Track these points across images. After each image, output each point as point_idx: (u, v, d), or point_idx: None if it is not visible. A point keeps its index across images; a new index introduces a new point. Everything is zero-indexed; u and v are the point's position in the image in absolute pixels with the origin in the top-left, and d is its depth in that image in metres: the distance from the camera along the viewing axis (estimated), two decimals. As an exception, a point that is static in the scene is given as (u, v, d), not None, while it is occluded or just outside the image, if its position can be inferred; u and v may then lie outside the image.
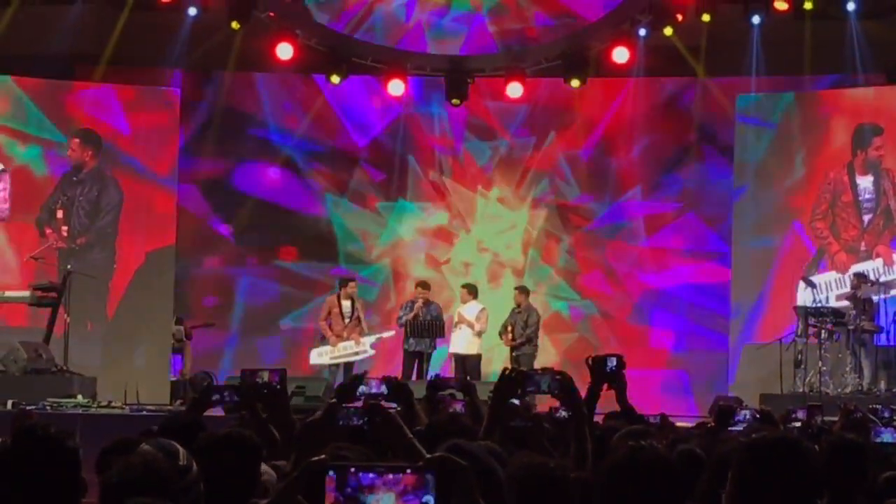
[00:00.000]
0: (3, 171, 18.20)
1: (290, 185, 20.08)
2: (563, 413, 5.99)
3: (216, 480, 4.30)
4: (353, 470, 3.22)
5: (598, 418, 6.26)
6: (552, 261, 19.98)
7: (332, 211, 20.13)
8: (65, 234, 18.46)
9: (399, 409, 6.04)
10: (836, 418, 9.31)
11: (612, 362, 6.07)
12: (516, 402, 5.57)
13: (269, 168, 20.04)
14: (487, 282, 19.78)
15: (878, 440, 6.65)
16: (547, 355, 18.50)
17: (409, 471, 3.23)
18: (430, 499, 3.19)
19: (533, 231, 20.05)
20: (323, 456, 3.56)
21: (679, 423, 8.52)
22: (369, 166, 20.16)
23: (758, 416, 8.19)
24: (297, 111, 20.05)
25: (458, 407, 7.14)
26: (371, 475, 3.20)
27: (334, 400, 5.54)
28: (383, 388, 6.28)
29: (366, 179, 20.17)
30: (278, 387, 5.82)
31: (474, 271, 19.90)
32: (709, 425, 8.08)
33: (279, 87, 19.99)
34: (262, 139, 20.00)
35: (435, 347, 17.61)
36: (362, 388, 6.03)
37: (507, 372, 5.50)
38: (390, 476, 3.20)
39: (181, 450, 4.10)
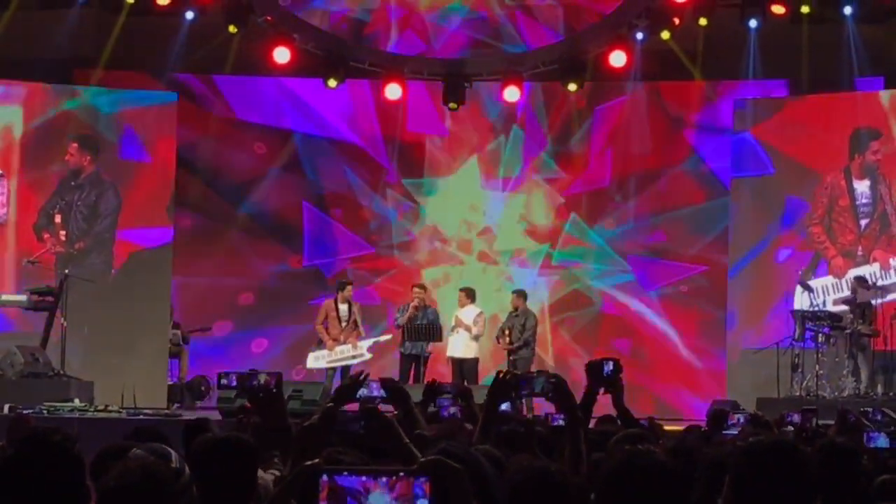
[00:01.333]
0: (2, 175, 18.20)
1: (289, 184, 20.07)
2: (561, 421, 5.98)
3: (214, 484, 4.30)
4: (346, 473, 3.23)
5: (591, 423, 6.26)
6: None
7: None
8: (63, 238, 18.43)
9: (397, 412, 6.04)
10: (832, 422, 9.33)
11: (609, 366, 6.05)
12: (506, 406, 5.55)
13: (270, 168, 20.04)
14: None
15: (872, 445, 6.63)
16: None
17: (402, 474, 3.24)
18: (424, 502, 3.20)
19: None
20: (317, 460, 3.57)
21: (668, 427, 8.52)
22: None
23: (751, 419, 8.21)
24: (297, 112, 20.07)
25: (454, 411, 7.14)
26: (365, 478, 3.21)
27: (331, 404, 5.54)
28: (382, 391, 6.26)
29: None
30: (274, 390, 5.81)
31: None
32: (702, 429, 8.11)
33: (276, 90, 20.00)
34: (260, 141, 20.01)
35: (430, 351, 17.60)
36: (362, 391, 6.02)
37: (500, 375, 5.50)
38: (384, 479, 3.20)
39: (173, 453, 4.10)
